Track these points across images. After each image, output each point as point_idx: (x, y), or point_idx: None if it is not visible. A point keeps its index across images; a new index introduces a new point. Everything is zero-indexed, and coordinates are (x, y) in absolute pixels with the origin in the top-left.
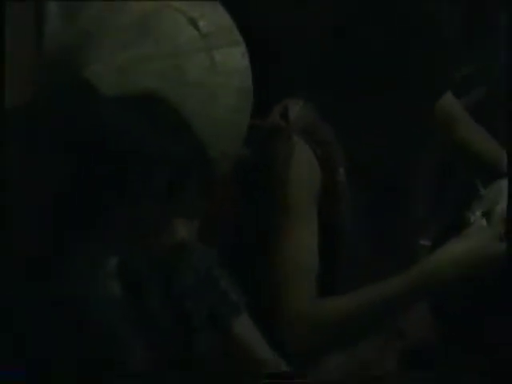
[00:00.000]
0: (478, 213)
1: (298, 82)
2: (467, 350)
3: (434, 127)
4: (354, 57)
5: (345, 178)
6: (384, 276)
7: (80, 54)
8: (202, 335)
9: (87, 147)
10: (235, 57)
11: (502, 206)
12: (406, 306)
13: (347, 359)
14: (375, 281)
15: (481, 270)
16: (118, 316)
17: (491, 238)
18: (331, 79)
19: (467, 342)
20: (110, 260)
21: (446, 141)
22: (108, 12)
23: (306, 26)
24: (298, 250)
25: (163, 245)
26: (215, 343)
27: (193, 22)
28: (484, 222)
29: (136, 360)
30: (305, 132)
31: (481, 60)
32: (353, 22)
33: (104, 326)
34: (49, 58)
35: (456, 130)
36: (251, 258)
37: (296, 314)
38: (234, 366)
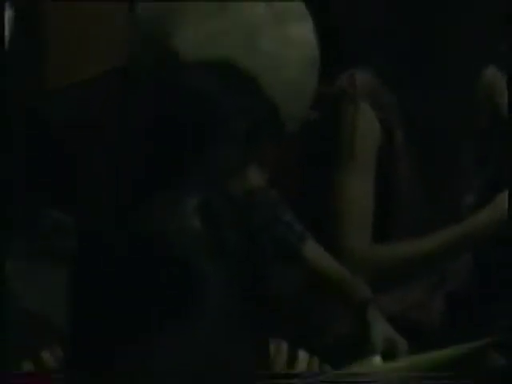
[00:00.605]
0: None
1: (363, 52)
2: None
3: (480, 95)
4: (410, 26)
5: (402, 139)
6: (433, 228)
7: (169, 24)
8: (275, 267)
9: (176, 102)
10: (303, 30)
11: None
12: (451, 256)
13: (393, 301)
14: (426, 232)
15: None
16: (197, 249)
17: None
18: (392, 49)
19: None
20: (192, 200)
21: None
22: None
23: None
24: (358, 194)
25: (240, 187)
26: (290, 276)
27: (267, 1)
28: None
29: (214, 292)
30: (369, 97)
31: None
32: None
33: (185, 258)
34: (141, 28)
35: (496, 99)
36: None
37: (355, 252)
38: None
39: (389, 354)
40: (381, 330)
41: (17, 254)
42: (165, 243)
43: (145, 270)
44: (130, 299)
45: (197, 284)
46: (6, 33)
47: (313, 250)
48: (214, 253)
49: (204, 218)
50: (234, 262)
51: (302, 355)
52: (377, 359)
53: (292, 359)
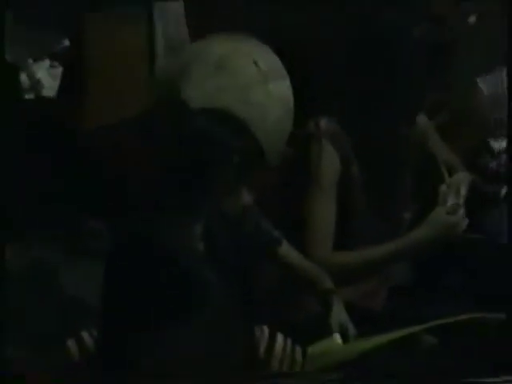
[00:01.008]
0: (445, 189)
1: (326, 104)
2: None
3: (413, 139)
4: (359, 82)
5: (356, 170)
6: (380, 238)
7: (179, 81)
8: (259, 267)
9: (185, 142)
10: (282, 87)
11: (463, 189)
12: (395, 262)
13: (353, 292)
14: (374, 242)
15: (445, 236)
16: (201, 263)
17: (451, 217)
18: (348, 102)
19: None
20: (198, 226)
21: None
22: (198, 53)
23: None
24: (322, 213)
25: (233, 204)
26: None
27: (255, 62)
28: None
29: (214, 295)
30: (331, 138)
31: (445, 90)
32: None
33: (190, 269)
34: (159, 83)
35: (427, 142)
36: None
37: (320, 258)
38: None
39: (343, 336)
40: (338, 315)
41: (64, 252)
42: (178, 258)
43: (161, 277)
44: (149, 297)
45: (200, 288)
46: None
47: (287, 251)
48: (212, 265)
49: (206, 241)
50: (228, 266)
51: (280, 338)
52: (337, 337)
53: (272, 341)
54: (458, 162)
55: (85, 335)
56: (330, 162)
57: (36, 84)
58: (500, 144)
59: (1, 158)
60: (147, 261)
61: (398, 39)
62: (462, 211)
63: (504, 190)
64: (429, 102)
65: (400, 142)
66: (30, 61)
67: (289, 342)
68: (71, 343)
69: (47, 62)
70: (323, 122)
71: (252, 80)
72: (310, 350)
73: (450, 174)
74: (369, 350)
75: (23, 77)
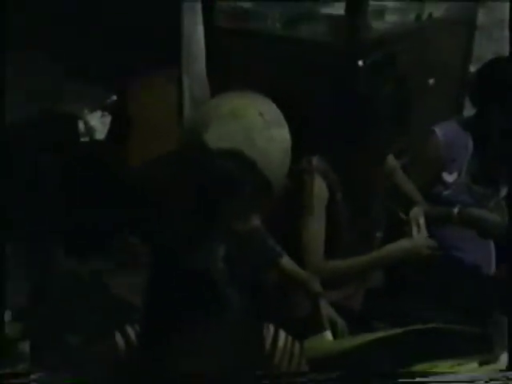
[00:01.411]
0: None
1: (317, 145)
2: None
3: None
4: (343, 131)
5: (340, 198)
6: (358, 252)
7: (200, 128)
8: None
9: (206, 177)
10: (282, 132)
11: (421, 220)
12: (371, 269)
13: (337, 294)
14: (355, 254)
15: (412, 256)
16: (223, 278)
17: (418, 240)
18: (335, 144)
19: None
20: (220, 249)
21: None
22: (215, 106)
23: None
24: (314, 231)
25: (245, 226)
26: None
27: (260, 114)
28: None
29: (233, 301)
30: (320, 172)
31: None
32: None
33: (217, 283)
34: (185, 127)
35: (394, 177)
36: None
37: (312, 264)
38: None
39: (333, 332)
40: (326, 313)
41: (114, 264)
42: (207, 275)
43: (192, 288)
44: (183, 303)
45: (223, 297)
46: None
47: (286, 262)
48: (231, 279)
49: (226, 261)
50: (241, 277)
51: (282, 334)
52: (328, 334)
53: (276, 337)
54: (417, 192)
55: (129, 329)
56: (319, 190)
57: (90, 130)
58: (451, 177)
59: (66, 189)
60: (182, 276)
61: (371, 101)
62: (425, 235)
63: (456, 210)
64: (396, 146)
65: (374, 177)
66: (86, 111)
67: (289, 337)
68: (118, 335)
69: (99, 113)
70: (314, 160)
71: (257, 127)
72: (306, 344)
73: (410, 204)
74: (355, 347)
75: (80, 124)
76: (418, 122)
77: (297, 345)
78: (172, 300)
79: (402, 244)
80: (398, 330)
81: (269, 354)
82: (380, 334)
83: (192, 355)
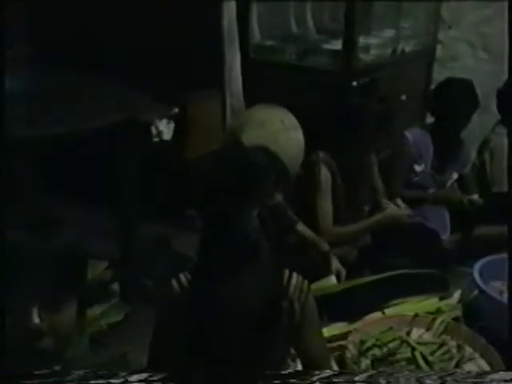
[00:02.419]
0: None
1: (321, 144)
2: None
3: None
4: (340, 135)
5: (340, 182)
6: (352, 221)
7: (238, 132)
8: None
9: (244, 167)
10: (298, 134)
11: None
12: (365, 233)
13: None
14: (350, 223)
15: (395, 222)
16: (257, 233)
17: (400, 210)
18: (333, 144)
19: None
20: (255, 211)
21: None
22: (248, 116)
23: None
24: (323, 208)
25: (270, 201)
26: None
27: (281, 121)
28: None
29: (263, 250)
30: (325, 163)
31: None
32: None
33: (252, 236)
34: (227, 131)
35: (372, 168)
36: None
37: (325, 231)
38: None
39: (337, 277)
40: (335, 264)
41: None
42: (245, 232)
43: (234, 242)
44: (227, 253)
45: (256, 248)
46: None
47: (302, 227)
48: (263, 234)
49: (259, 224)
50: (269, 235)
51: (295, 275)
52: (332, 278)
53: (290, 277)
54: (382, 187)
55: (182, 277)
56: (325, 177)
57: (159, 133)
58: (420, 168)
59: (134, 179)
60: (227, 235)
61: (361, 112)
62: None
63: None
64: (376, 145)
65: (361, 167)
66: (157, 120)
67: (300, 277)
68: (174, 281)
69: (166, 121)
70: (321, 154)
71: (279, 131)
72: (314, 285)
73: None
74: (350, 288)
75: (153, 129)
76: (394, 128)
77: (305, 283)
78: (219, 250)
79: (389, 213)
80: (380, 276)
81: (285, 288)
82: (368, 279)
83: (232, 292)
